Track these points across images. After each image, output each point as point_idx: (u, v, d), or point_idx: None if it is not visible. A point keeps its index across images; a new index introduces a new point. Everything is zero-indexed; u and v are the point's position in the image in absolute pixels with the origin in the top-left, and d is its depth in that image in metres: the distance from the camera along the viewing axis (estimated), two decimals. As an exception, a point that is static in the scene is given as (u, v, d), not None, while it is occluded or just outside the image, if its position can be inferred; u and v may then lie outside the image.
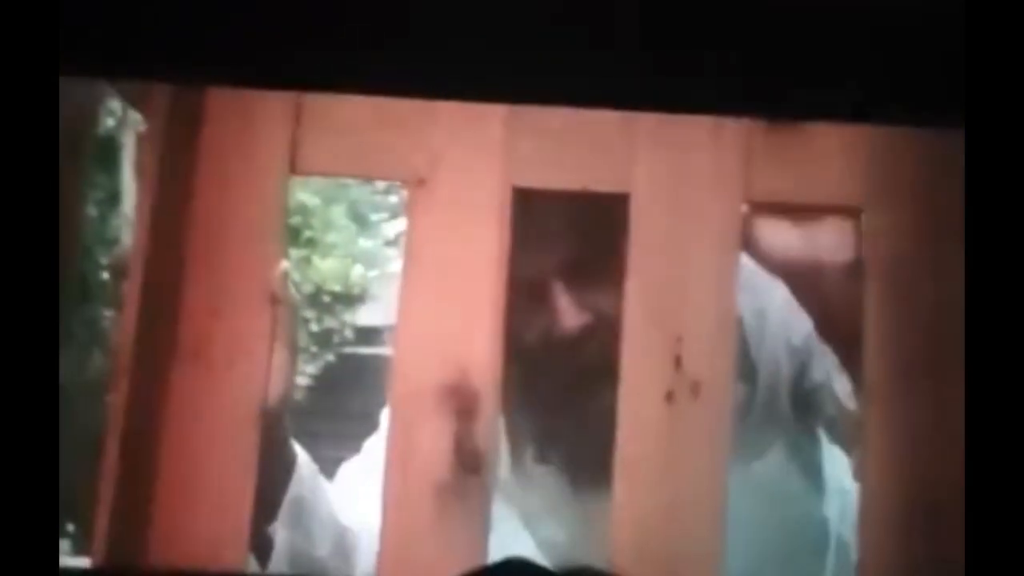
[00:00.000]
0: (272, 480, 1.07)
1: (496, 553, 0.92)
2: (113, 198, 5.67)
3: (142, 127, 1.03)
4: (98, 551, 0.94)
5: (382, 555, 0.95)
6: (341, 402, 6.76)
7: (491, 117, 0.99)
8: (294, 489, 1.12)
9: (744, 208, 1.02)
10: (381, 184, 6.59)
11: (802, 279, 1.19)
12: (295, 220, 7.19)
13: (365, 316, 7.99)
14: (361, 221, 8.36)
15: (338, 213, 8.10)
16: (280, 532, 1.11)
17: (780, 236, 1.20)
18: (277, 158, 1.00)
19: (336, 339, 8.09)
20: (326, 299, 7.92)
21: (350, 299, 8.10)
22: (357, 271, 8.11)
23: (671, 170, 0.98)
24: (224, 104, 1.00)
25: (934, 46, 0.60)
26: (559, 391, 1.14)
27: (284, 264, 1.05)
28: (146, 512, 0.95)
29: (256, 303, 0.98)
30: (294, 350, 1.11)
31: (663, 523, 0.94)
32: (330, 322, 8.02)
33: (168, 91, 0.99)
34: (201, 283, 0.98)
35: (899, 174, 0.97)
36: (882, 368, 0.95)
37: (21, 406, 0.57)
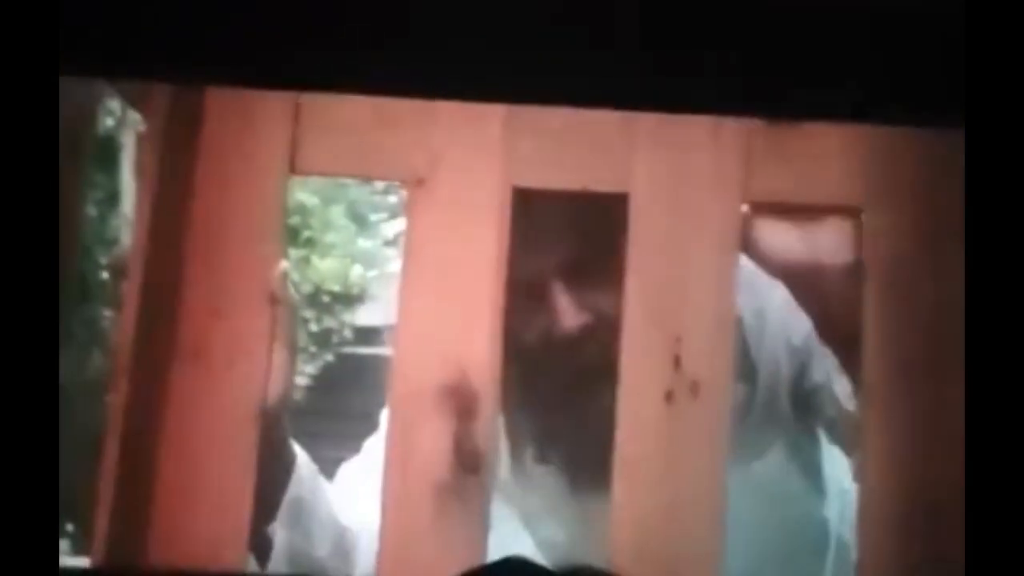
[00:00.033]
0: (271, 480, 1.07)
1: (496, 553, 0.92)
2: (112, 198, 5.67)
3: (141, 127, 1.03)
4: (98, 551, 0.94)
5: (381, 555, 0.95)
6: (340, 402, 6.75)
7: (490, 117, 0.99)
8: (293, 489, 1.12)
9: (744, 208, 1.02)
10: (380, 184, 6.59)
11: (802, 280, 1.19)
12: (294, 220, 7.19)
13: (364, 316, 7.99)
14: (360, 221, 8.35)
15: (337, 213, 8.09)
16: (279, 532, 1.11)
17: (780, 237, 1.20)
18: (276, 158, 1.00)
19: (335, 339, 8.09)
20: (325, 299, 7.92)
21: (349, 299, 8.09)
22: (356, 271, 8.10)
23: (670, 170, 0.98)
24: (224, 104, 1.00)
25: (934, 46, 0.60)
26: (559, 391, 1.14)
27: (283, 264, 1.05)
28: (146, 512, 0.95)
29: (255, 303, 0.98)
30: (293, 350, 1.11)
31: (662, 523, 0.94)
32: (329, 322, 8.01)
33: (167, 91, 0.99)
34: (200, 283, 0.98)
35: (899, 174, 0.97)
36: (881, 368, 0.95)
37: (21, 406, 0.57)
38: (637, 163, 0.98)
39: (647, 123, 0.98)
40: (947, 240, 0.94)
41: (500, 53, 0.63)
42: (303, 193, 7.37)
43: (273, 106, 1.00)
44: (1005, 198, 0.56)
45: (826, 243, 1.18)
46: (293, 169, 1.00)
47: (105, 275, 5.93)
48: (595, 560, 0.93)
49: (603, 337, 1.03)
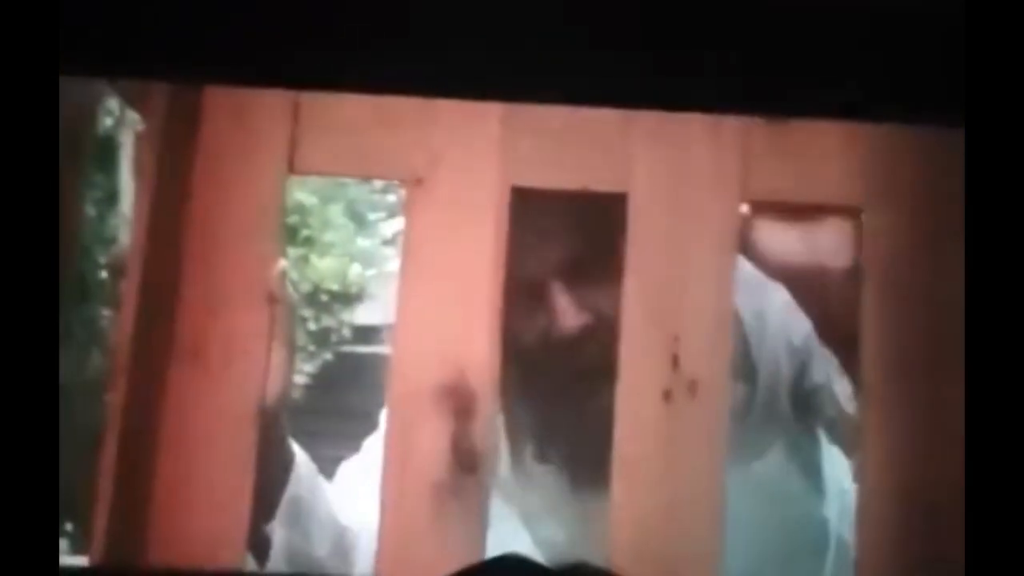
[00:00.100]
0: (270, 479, 1.07)
1: (494, 552, 0.92)
2: (111, 197, 5.67)
3: (140, 126, 1.03)
4: (96, 550, 0.94)
5: (380, 554, 0.95)
6: (339, 401, 6.75)
7: (489, 116, 0.99)
8: (292, 488, 1.12)
9: (743, 209, 1.02)
10: (379, 183, 6.59)
11: (802, 282, 1.19)
12: (293, 219, 7.19)
13: (363, 315, 7.99)
14: (359, 220, 8.35)
15: (336, 212, 8.09)
16: (278, 531, 1.11)
17: (779, 239, 1.20)
18: (275, 157, 0.99)
19: (334, 338, 8.09)
20: (324, 298, 7.92)
21: (348, 298, 8.10)
22: (355, 270, 8.10)
23: (670, 169, 0.98)
24: (222, 103, 1.00)
25: (934, 45, 0.59)
26: (558, 390, 1.14)
27: (282, 263, 1.05)
28: (144, 511, 0.95)
29: (254, 302, 0.98)
30: (292, 349, 1.11)
31: (661, 522, 0.94)
32: (328, 321, 8.02)
33: (166, 90, 0.99)
34: (199, 282, 0.98)
35: (899, 174, 0.97)
36: (880, 368, 0.95)
37: (21, 406, 0.56)
38: (636, 163, 0.98)
39: (646, 123, 0.98)
40: (947, 240, 0.94)
41: (499, 52, 0.63)
42: (302, 192, 7.37)
43: (272, 105, 1.00)
44: (1005, 198, 0.56)
45: (826, 244, 1.18)
46: (292, 168, 1.00)
47: (104, 274, 5.93)
48: (594, 559, 0.93)
49: (602, 336, 1.03)
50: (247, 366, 0.97)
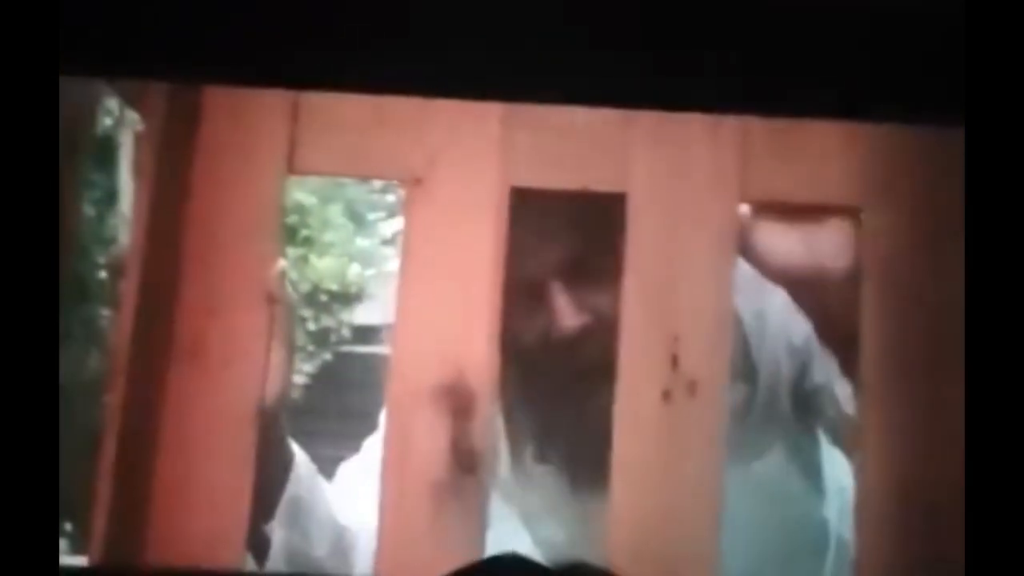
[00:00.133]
0: (269, 479, 1.07)
1: (494, 551, 0.92)
2: (110, 197, 5.67)
3: (139, 126, 1.03)
4: (96, 550, 0.94)
5: (379, 554, 0.95)
6: (339, 401, 6.75)
7: (488, 116, 0.99)
8: (291, 488, 1.12)
9: (743, 209, 1.02)
10: (378, 183, 6.59)
11: (801, 283, 1.18)
12: (292, 219, 7.19)
13: (362, 315, 7.98)
14: (358, 220, 8.35)
15: (335, 212, 8.09)
16: (277, 531, 1.11)
17: (779, 241, 1.20)
18: (274, 157, 0.99)
19: (333, 338, 8.08)
20: (323, 298, 7.92)
21: (347, 298, 8.09)
22: (354, 270, 8.10)
23: (668, 169, 0.98)
24: (221, 103, 1.00)
25: (934, 45, 0.59)
26: (557, 390, 1.14)
27: (281, 263, 1.05)
28: (143, 511, 0.95)
29: (253, 302, 0.98)
30: (291, 349, 1.11)
31: (661, 522, 0.94)
32: (327, 321, 8.01)
33: (165, 90, 0.99)
34: (198, 282, 0.98)
35: (898, 174, 0.97)
36: (880, 368, 0.95)
37: (21, 406, 0.56)
38: (636, 163, 0.98)
39: (645, 122, 0.98)
40: (947, 240, 0.94)
41: (499, 52, 0.63)
42: (301, 192, 7.37)
43: (271, 105, 1.00)
44: (1005, 198, 0.56)
45: (826, 245, 1.18)
46: (291, 168, 1.00)
47: (103, 274, 5.93)
48: (594, 559, 0.93)
49: (601, 336, 1.03)
50: (246, 366, 0.97)
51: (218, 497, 0.96)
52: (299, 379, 7.09)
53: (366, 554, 1.02)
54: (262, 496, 1.01)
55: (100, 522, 0.94)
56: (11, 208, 0.57)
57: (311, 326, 7.78)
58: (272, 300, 0.99)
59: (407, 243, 0.99)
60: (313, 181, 6.63)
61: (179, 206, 0.98)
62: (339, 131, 1.00)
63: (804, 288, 1.18)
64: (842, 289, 1.09)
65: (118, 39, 0.61)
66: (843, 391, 1.18)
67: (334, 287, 7.98)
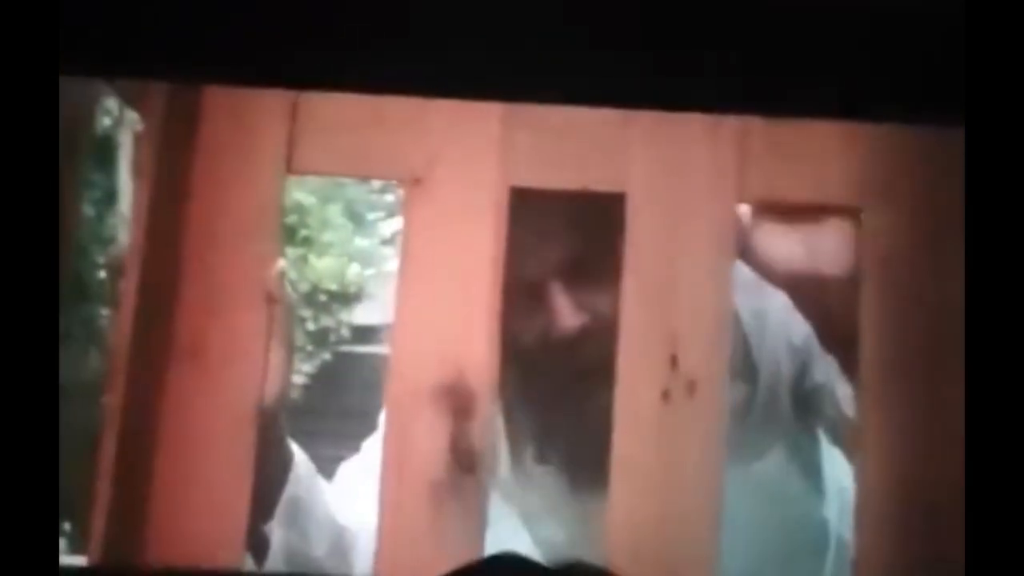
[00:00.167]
0: (269, 479, 1.07)
1: (493, 551, 0.92)
2: (110, 197, 5.68)
3: (139, 126, 1.03)
4: (95, 550, 0.94)
5: (379, 554, 0.95)
6: (338, 401, 6.76)
7: (488, 116, 0.99)
8: (291, 488, 1.12)
9: (742, 209, 1.02)
10: (377, 183, 6.60)
11: (801, 283, 1.18)
12: (291, 219, 7.20)
13: (362, 315, 7.99)
14: (357, 220, 8.36)
15: (334, 212, 8.10)
16: (277, 531, 1.11)
17: (778, 243, 1.20)
18: (273, 157, 0.99)
19: (333, 338, 8.09)
20: (322, 298, 7.92)
21: (346, 298, 8.10)
22: (353, 270, 8.11)
23: (668, 169, 0.98)
24: (220, 103, 1.00)
25: (934, 45, 0.59)
26: (556, 390, 1.14)
27: (280, 263, 1.05)
28: (143, 511, 0.95)
29: (252, 302, 0.98)
30: (291, 349, 1.11)
31: (660, 522, 0.94)
32: (326, 321, 8.02)
33: (165, 90, 0.99)
34: (197, 282, 0.98)
35: (898, 173, 0.97)
36: (880, 368, 0.95)
37: (21, 406, 0.56)
38: (635, 163, 0.98)
39: (644, 122, 0.98)
40: (947, 240, 0.94)
41: (499, 52, 0.63)
42: (300, 192, 7.38)
43: (270, 105, 1.00)
44: (1005, 198, 0.56)
45: (825, 247, 1.18)
46: (290, 168, 1.00)
47: (102, 274, 5.94)
48: (593, 559, 0.93)
49: (600, 336, 1.03)
50: (246, 366, 0.97)
51: (217, 497, 0.96)
52: (298, 379, 7.09)
53: (365, 554, 1.02)
54: (261, 496, 1.01)
55: (99, 522, 0.94)
56: (11, 208, 0.57)
57: (310, 326, 7.78)
58: (271, 300, 0.99)
59: (406, 243, 0.99)
60: (312, 181, 6.64)
61: (179, 206, 0.98)
62: (338, 131, 1.00)
63: (804, 288, 1.18)
64: (842, 289, 1.09)
65: (118, 39, 0.61)
66: (843, 391, 1.18)
67: (333, 287, 7.99)
